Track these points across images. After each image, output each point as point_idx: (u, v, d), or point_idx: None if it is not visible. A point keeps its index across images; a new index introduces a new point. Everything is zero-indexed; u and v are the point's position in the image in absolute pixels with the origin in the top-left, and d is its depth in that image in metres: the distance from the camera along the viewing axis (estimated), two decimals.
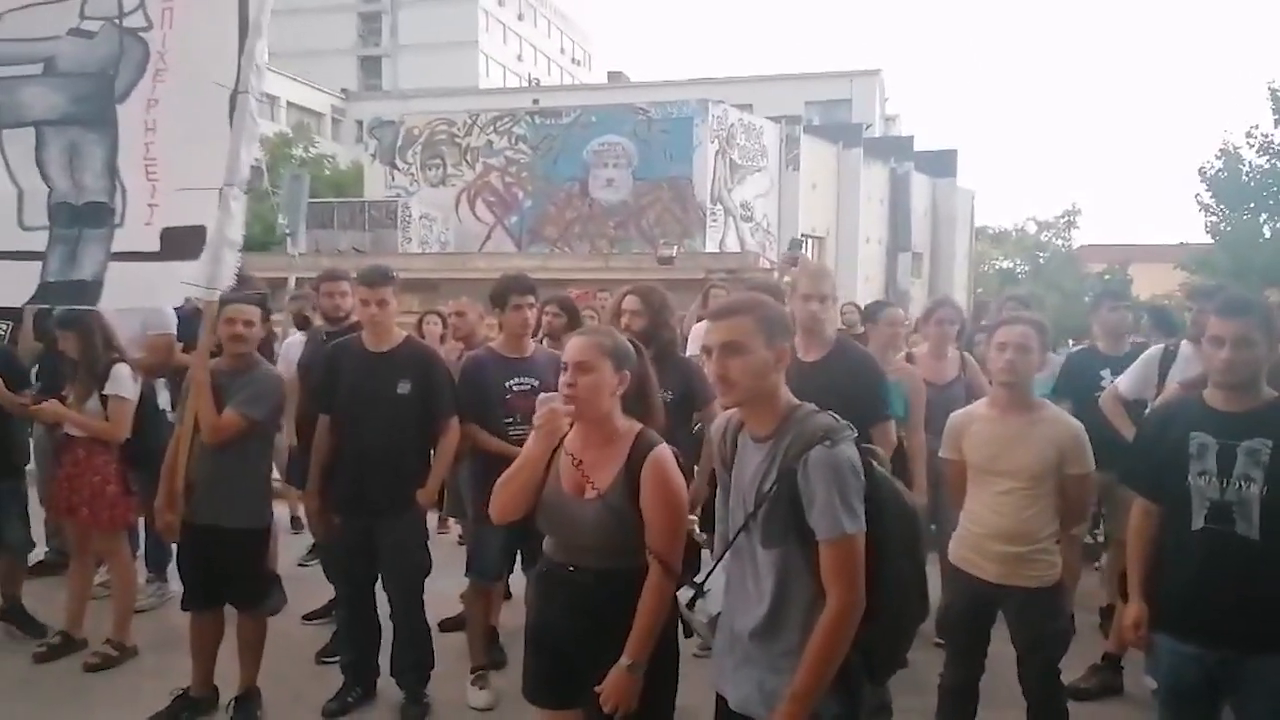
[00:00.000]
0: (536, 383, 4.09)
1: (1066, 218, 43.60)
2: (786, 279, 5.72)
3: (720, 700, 2.34)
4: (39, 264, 3.88)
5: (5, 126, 3.98)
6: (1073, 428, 3.22)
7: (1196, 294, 4.55)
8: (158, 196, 3.83)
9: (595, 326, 3.57)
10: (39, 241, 3.90)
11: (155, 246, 3.79)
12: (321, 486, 4.00)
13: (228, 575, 3.85)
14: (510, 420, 4.05)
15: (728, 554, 2.30)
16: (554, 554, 2.59)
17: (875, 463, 2.20)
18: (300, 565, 5.98)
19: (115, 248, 3.84)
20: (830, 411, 2.18)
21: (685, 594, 2.38)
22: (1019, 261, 44.09)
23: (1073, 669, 4.28)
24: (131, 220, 3.86)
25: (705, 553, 2.80)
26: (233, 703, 3.93)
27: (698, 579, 2.39)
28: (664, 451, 2.46)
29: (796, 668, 2.10)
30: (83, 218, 3.88)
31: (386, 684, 4.11)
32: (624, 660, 2.37)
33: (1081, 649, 4.48)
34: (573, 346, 2.51)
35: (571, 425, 2.52)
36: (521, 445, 3.94)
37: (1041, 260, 42.60)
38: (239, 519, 3.82)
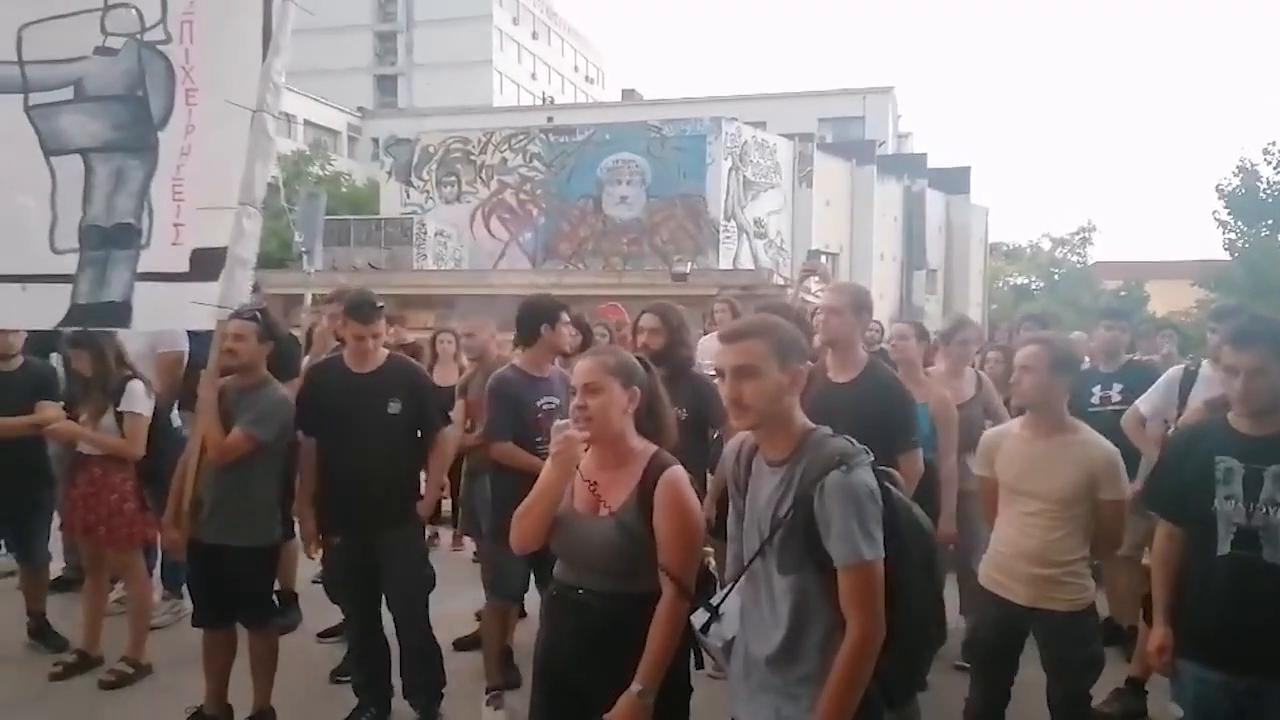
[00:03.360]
0: (558, 401, 4.11)
1: (1081, 234, 43.46)
2: (806, 295, 5.68)
3: None
4: (69, 287, 3.92)
5: (52, 154, 4.04)
6: (1106, 452, 3.12)
7: (1220, 314, 4.51)
8: (183, 216, 3.87)
9: (601, 346, 3.58)
10: (69, 264, 3.94)
11: (184, 267, 3.83)
12: (314, 508, 3.96)
13: (235, 594, 3.85)
14: (540, 440, 4.02)
15: (742, 579, 2.27)
16: (563, 576, 2.56)
17: (892, 486, 2.17)
18: (315, 583, 5.93)
19: (141, 268, 3.88)
20: (847, 436, 2.16)
21: (699, 617, 2.35)
22: (1033, 278, 43.92)
23: (1096, 693, 4.22)
24: (158, 241, 3.90)
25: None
26: None
27: (713, 602, 2.36)
28: (678, 472, 2.44)
29: (814, 694, 2.08)
30: (111, 239, 3.92)
31: (401, 703, 4.08)
32: (635, 686, 2.32)
33: (1105, 672, 4.42)
34: (580, 369, 2.50)
35: (587, 449, 2.51)
36: None
37: (1056, 277, 42.43)
38: (245, 538, 3.81)
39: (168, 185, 3.89)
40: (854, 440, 2.14)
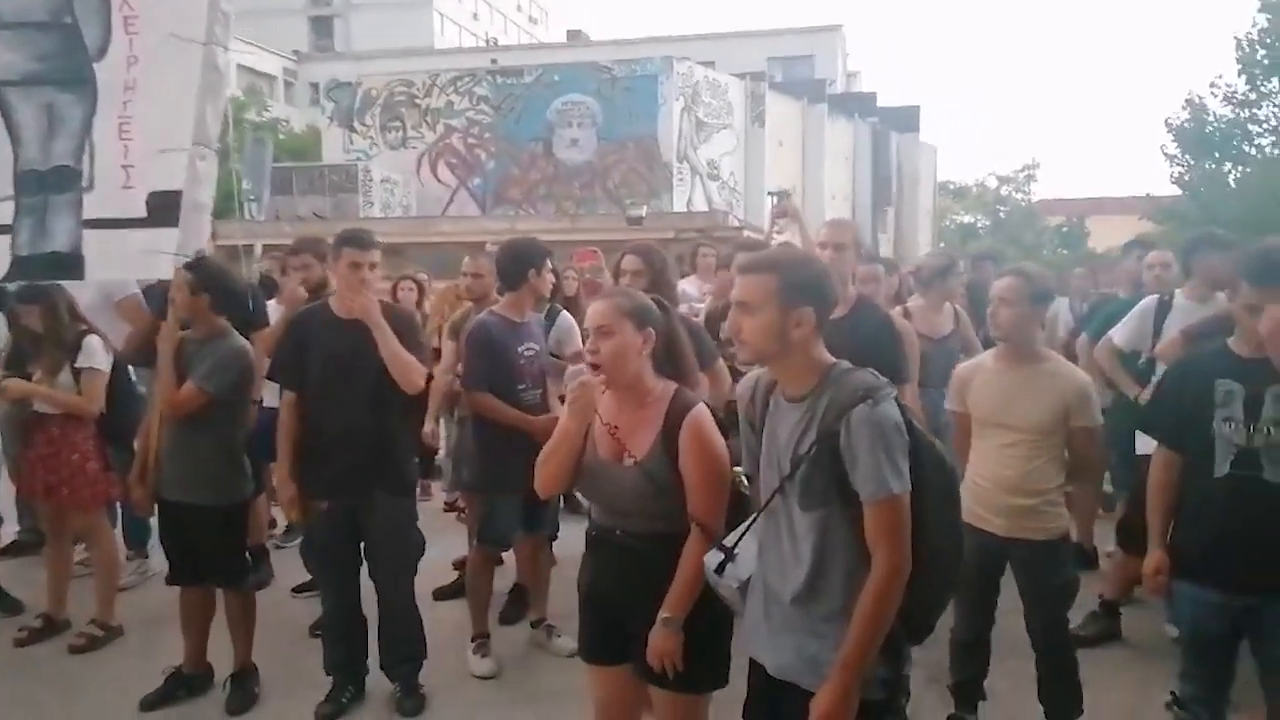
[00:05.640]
0: (538, 348, 4.04)
1: (1026, 172, 43.96)
2: (778, 235, 5.62)
3: (755, 667, 2.29)
4: (7, 238, 3.67)
5: None
6: (1079, 381, 3.18)
7: (1199, 244, 4.50)
8: (132, 157, 3.63)
9: (613, 288, 3.46)
10: (4, 214, 3.69)
11: (141, 212, 3.61)
12: (295, 469, 3.65)
13: (202, 552, 3.73)
14: (524, 387, 3.97)
15: (760, 517, 2.23)
16: (600, 518, 2.56)
17: (913, 420, 2.13)
18: (277, 547, 5.68)
19: (88, 214, 3.65)
20: (871, 369, 2.11)
21: (713, 558, 2.30)
22: (979, 216, 44.41)
23: (1072, 616, 4.30)
24: (104, 184, 3.65)
25: None
26: (229, 681, 3.83)
27: (726, 542, 2.31)
28: (701, 412, 2.40)
29: (838, 632, 2.05)
30: (49, 184, 3.67)
31: (377, 677, 3.87)
32: (662, 614, 2.35)
33: (1081, 597, 4.52)
34: (593, 312, 2.45)
35: (604, 393, 2.45)
36: (532, 411, 3.89)
37: (1002, 215, 42.95)
38: (205, 495, 3.68)
39: (113, 124, 3.64)
40: (877, 373, 2.09)
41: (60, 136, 3.70)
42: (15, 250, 3.71)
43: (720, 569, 2.28)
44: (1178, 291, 4.48)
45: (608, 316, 2.40)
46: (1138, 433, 3.99)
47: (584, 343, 2.86)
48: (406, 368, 3.54)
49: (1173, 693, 2.95)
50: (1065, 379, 3.17)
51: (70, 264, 3.70)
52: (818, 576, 2.09)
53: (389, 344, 3.50)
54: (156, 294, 4.61)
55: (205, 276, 3.67)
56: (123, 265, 3.82)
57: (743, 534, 2.28)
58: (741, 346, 2.15)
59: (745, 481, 2.40)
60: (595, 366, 2.39)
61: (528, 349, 3.99)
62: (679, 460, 2.36)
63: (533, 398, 3.99)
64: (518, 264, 4.02)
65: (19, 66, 3.72)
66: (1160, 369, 4.13)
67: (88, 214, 3.69)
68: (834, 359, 2.15)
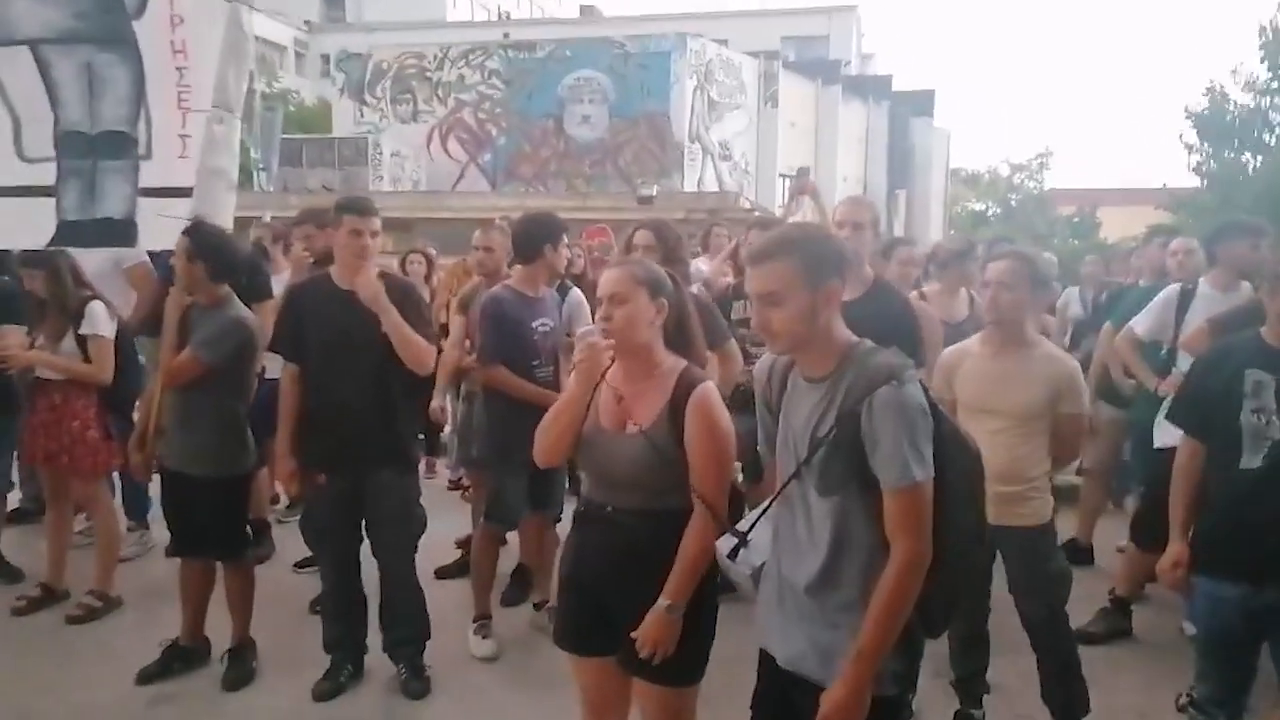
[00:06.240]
0: (552, 323, 3.96)
1: (1039, 160, 43.58)
2: (795, 215, 5.54)
3: (765, 658, 2.22)
4: (51, 200, 3.60)
5: None
6: (1067, 366, 3.15)
7: (1225, 231, 4.39)
8: (189, 126, 3.55)
9: (628, 258, 3.38)
10: (45, 175, 3.62)
11: (193, 182, 3.55)
12: (294, 443, 3.59)
13: (202, 524, 3.68)
14: (538, 363, 3.90)
15: (776, 502, 2.15)
16: (592, 493, 2.48)
17: (938, 403, 2.05)
18: (279, 521, 5.59)
19: (144, 183, 3.58)
20: (894, 348, 2.03)
21: (726, 543, 2.23)
22: (991, 203, 44.08)
23: (1081, 613, 4.24)
24: (161, 153, 3.58)
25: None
26: (226, 655, 3.78)
27: (741, 527, 2.23)
28: (709, 389, 2.33)
29: (854, 623, 1.97)
30: (98, 148, 3.59)
31: (379, 654, 3.82)
32: (663, 601, 2.27)
33: (1090, 593, 4.45)
34: (606, 279, 2.39)
35: (612, 360, 2.38)
36: (548, 387, 3.84)
37: (1013, 203, 42.61)
38: (205, 467, 3.62)
39: (171, 92, 3.57)
40: (901, 353, 2.01)
41: (106, 99, 3.63)
42: (62, 214, 3.66)
43: (734, 554, 2.21)
44: (1201, 280, 4.38)
45: (622, 284, 2.33)
46: (1156, 426, 3.92)
47: (594, 317, 2.79)
48: (416, 349, 3.47)
49: (1186, 694, 2.89)
50: (1056, 364, 3.13)
51: (124, 232, 3.65)
52: (834, 564, 2.01)
53: (396, 326, 3.43)
54: (163, 261, 4.55)
55: (201, 243, 3.58)
56: (174, 235, 3.76)
57: (757, 519, 2.21)
58: (774, 339, 2.05)
59: (741, 477, 2.32)
60: (607, 332, 2.32)
61: (542, 324, 3.93)
62: (684, 435, 2.29)
63: (546, 374, 3.93)
64: (533, 238, 3.95)
65: (57, 24, 3.65)
66: (1182, 360, 4.04)
67: (145, 183, 3.64)
68: (856, 338, 2.07)
